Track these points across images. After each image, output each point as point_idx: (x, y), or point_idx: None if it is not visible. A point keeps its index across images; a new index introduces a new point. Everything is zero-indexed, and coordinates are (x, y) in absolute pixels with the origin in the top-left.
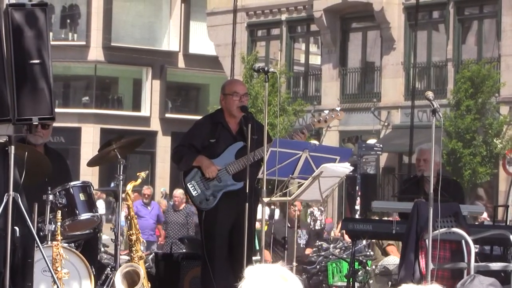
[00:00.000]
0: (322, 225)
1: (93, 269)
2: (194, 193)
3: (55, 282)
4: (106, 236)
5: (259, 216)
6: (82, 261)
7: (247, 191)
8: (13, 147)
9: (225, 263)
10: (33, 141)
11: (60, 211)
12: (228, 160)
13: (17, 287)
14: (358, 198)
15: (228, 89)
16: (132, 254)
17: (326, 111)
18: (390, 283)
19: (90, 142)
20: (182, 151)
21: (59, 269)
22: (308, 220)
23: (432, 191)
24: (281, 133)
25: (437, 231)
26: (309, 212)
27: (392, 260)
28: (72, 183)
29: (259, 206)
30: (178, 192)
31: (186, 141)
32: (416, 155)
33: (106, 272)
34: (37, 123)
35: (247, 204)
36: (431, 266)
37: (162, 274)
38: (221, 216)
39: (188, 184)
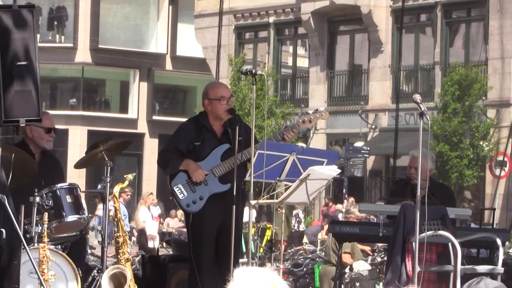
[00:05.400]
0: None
1: (80, 271)
2: (180, 196)
3: (41, 284)
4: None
5: (246, 218)
6: (68, 263)
7: (234, 193)
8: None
9: (213, 266)
10: (47, 146)
11: (46, 213)
12: (214, 163)
13: None
14: (345, 201)
15: (213, 94)
16: (119, 256)
17: (311, 111)
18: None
19: (77, 144)
20: (167, 155)
21: (45, 271)
22: (293, 222)
23: (418, 193)
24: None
25: (424, 233)
26: (294, 213)
27: (363, 265)
28: (59, 185)
29: (246, 208)
30: None
31: (171, 145)
32: (409, 161)
33: (92, 274)
34: (24, 124)
35: (234, 206)
36: (417, 269)
37: (149, 276)
38: (208, 219)
39: (174, 188)
